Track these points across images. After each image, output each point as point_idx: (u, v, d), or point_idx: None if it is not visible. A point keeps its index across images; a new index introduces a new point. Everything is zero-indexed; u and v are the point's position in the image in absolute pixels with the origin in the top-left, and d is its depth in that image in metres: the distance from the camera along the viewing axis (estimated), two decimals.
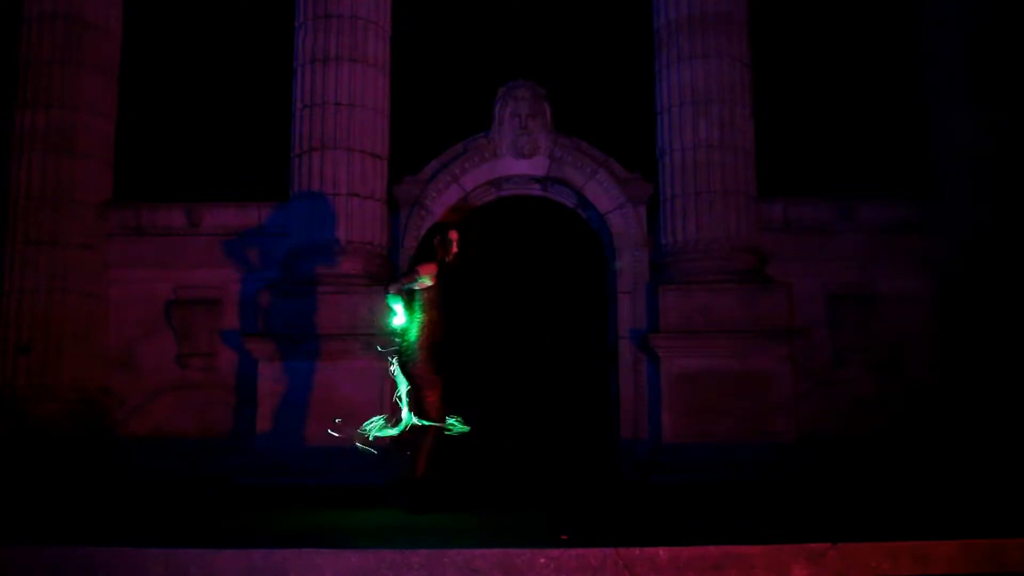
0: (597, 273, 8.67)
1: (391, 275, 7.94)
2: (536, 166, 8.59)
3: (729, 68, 8.07)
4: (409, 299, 5.19)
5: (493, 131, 8.60)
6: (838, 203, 8.56)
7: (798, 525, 4.45)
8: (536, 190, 8.79)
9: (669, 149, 8.17)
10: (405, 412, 5.17)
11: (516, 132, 8.55)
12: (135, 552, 3.62)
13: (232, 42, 9.18)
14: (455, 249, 5.26)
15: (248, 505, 5.95)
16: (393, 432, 5.22)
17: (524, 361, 8.31)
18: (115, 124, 8.84)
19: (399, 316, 5.19)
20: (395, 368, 5.23)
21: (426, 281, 5.11)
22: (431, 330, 5.12)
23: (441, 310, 5.17)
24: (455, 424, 5.11)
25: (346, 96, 7.95)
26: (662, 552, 3.55)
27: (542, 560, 3.49)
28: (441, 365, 5.15)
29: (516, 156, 8.57)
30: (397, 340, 5.26)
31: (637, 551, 3.54)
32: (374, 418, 5.36)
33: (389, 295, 5.19)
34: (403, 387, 5.21)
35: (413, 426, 5.14)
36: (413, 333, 5.13)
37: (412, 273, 5.18)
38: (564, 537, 3.83)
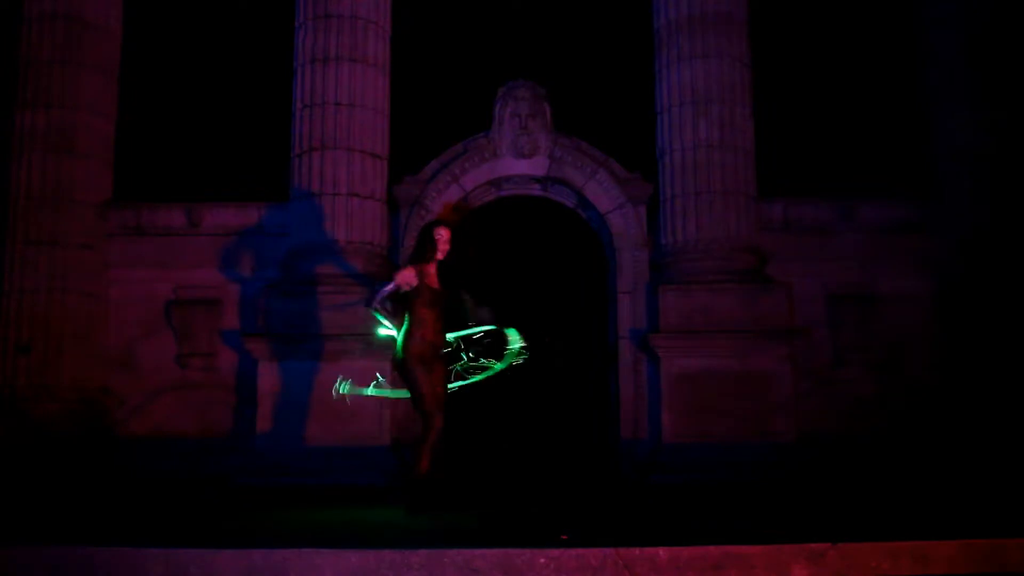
0: (597, 273, 8.67)
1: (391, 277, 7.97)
2: (536, 166, 8.60)
3: (729, 68, 8.08)
4: (398, 303, 5.20)
5: (493, 131, 8.60)
6: (838, 203, 8.56)
7: (798, 525, 4.45)
8: (536, 190, 8.79)
9: (669, 149, 8.17)
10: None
11: (516, 132, 8.55)
12: (135, 552, 3.62)
13: (232, 42, 9.18)
14: (444, 247, 5.23)
15: (248, 505, 5.95)
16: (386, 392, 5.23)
17: (524, 361, 8.29)
18: (115, 124, 8.85)
19: (387, 327, 5.24)
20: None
21: (403, 284, 5.11)
22: (421, 329, 5.10)
23: (433, 307, 5.14)
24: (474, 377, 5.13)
25: (346, 96, 7.95)
26: (662, 552, 3.55)
27: (542, 560, 3.49)
28: (434, 363, 5.12)
29: (516, 156, 8.58)
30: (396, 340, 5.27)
31: (637, 551, 3.54)
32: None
33: (373, 310, 5.24)
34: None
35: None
36: (404, 333, 5.13)
37: (388, 282, 5.23)
38: (564, 537, 3.82)
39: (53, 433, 7.72)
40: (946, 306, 8.39)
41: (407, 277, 5.12)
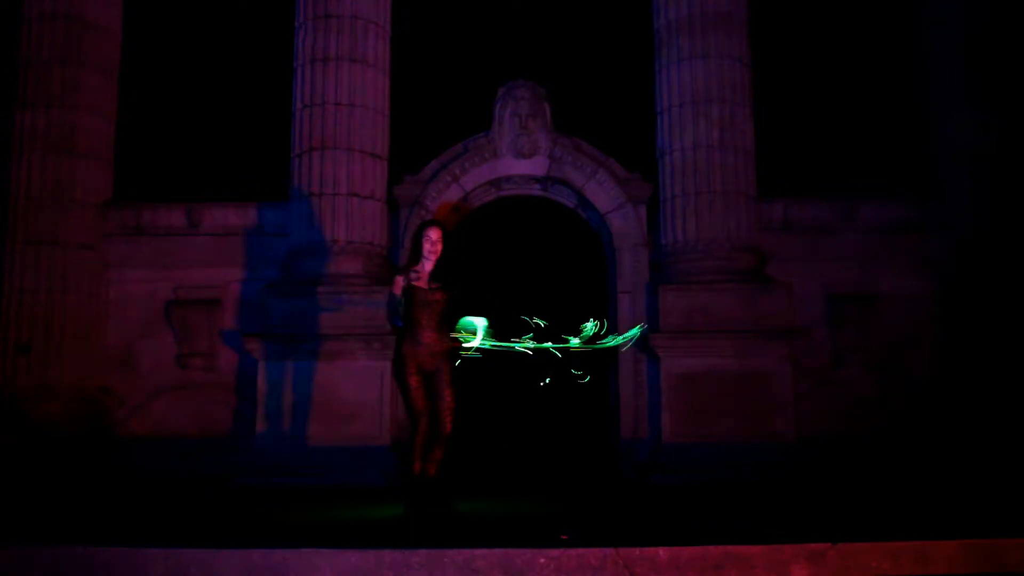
0: (597, 273, 8.67)
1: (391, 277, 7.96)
2: (536, 166, 8.60)
3: (729, 68, 8.08)
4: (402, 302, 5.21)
5: (493, 131, 8.60)
6: (838, 203, 8.56)
7: (798, 525, 4.45)
8: (536, 190, 8.79)
9: (669, 149, 8.17)
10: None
11: (516, 132, 8.55)
12: (135, 552, 3.62)
13: (232, 42, 9.18)
14: (433, 247, 5.19)
15: (248, 505, 5.95)
16: None
17: (524, 361, 8.30)
18: (115, 124, 8.84)
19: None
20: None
21: (396, 292, 5.11)
22: (413, 331, 5.10)
23: (424, 309, 5.12)
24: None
25: (346, 96, 7.95)
26: (662, 552, 3.55)
27: (542, 560, 3.49)
28: (429, 365, 5.11)
29: (516, 156, 8.57)
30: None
31: (637, 551, 3.54)
32: None
33: (396, 325, 5.21)
34: None
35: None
36: (399, 335, 5.16)
37: (391, 296, 5.25)
38: (564, 537, 3.83)
39: (53, 433, 7.72)
40: (946, 306, 8.39)
41: (397, 284, 5.11)
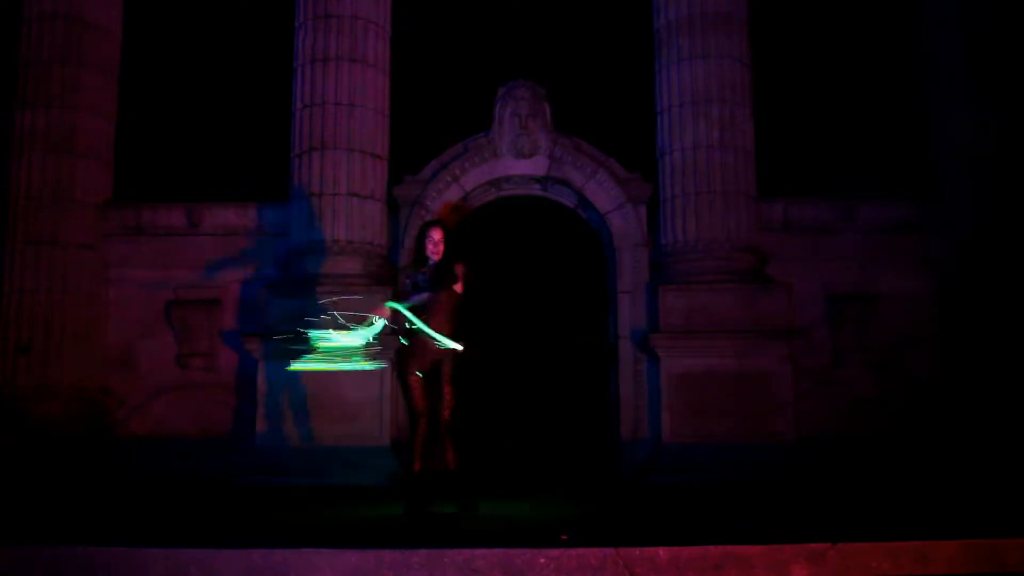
0: (597, 273, 8.67)
1: (392, 276, 7.97)
2: (536, 166, 8.59)
3: (729, 68, 8.08)
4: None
5: (493, 131, 8.60)
6: (838, 203, 8.56)
7: (798, 525, 4.45)
8: (536, 190, 8.79)
9: (669, 149, 8.17)
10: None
11: (516, 132, 8.55)
12: (135, 552, 3.63)
13: (232, 42, 9.18)
14: (435, 247, 5.22)
15: (248, 505, 5.96)
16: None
17: (524, 361, 8.31)
18: (115, 124, 8.84)
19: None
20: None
21: (398, 293, 5.15)
22: (409, 331, 5.12)
23: (423, 307, 5.14)
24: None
25: (346, 96, 7.95)
26: (662, 552, 3.55)
27: (542, 560, 3.50)
28: (428, 363, 5.12)
29: (516, 156, 8.57)
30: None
31: (637, 551, 3.54)
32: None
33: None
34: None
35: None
36: (400, 335, 5.17)
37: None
38: (564, 537, 3.83)
39: (53, 433, 7.72)
40: (946, 306, 8.39)
41: (402, 284, 5.16)
